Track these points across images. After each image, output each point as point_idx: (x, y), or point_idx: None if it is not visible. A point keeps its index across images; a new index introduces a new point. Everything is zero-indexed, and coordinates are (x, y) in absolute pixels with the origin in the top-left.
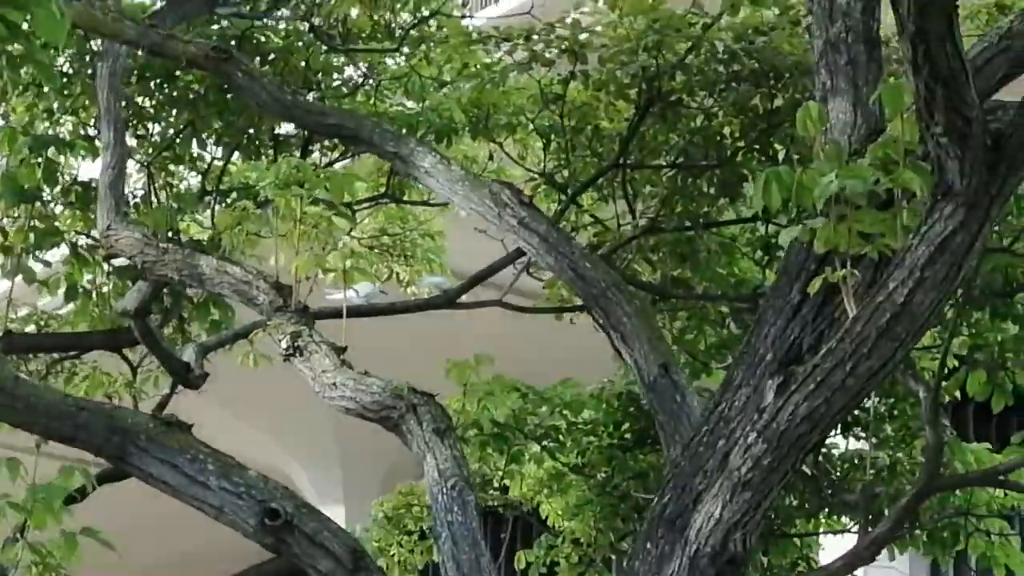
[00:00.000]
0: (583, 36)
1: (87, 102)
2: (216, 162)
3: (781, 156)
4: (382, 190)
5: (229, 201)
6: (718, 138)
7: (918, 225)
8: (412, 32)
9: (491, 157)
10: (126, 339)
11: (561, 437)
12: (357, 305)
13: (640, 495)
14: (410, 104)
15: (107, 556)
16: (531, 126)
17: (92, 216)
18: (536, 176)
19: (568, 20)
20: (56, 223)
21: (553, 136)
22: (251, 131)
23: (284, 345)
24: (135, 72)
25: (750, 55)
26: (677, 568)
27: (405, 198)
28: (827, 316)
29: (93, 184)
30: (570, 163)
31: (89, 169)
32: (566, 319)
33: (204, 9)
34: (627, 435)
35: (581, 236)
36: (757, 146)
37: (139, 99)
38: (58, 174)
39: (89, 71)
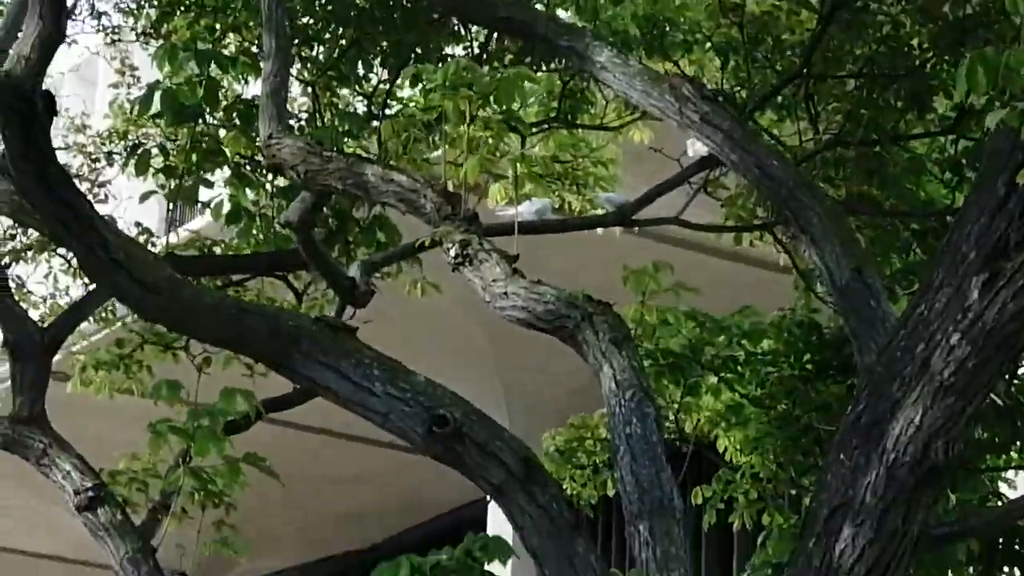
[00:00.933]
0: None
1: (250, 20)
2: (382, 85)
3: None
4: (553, 115)
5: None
6: (906, 47)
7: None
8: None
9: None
10: (291, 262)
11: (739, 368)
12: (529, 221)
13: (822, 427)
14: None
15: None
16: (708, 43)
17: (256, 137)
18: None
19: None
20: (219, 143)
21: (731, 54)
22: (418, 50)
23: (453, 253)
24: None
25: None
26: (874, 479)
27: (577, 123)
28: None
29: (256, 103)
30: (750, 79)
31: (253, 88)
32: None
33: None
34: (808, 366)
35: None
36: (948, 56)
37: (302, 19)
38: (220, 93)
39: None
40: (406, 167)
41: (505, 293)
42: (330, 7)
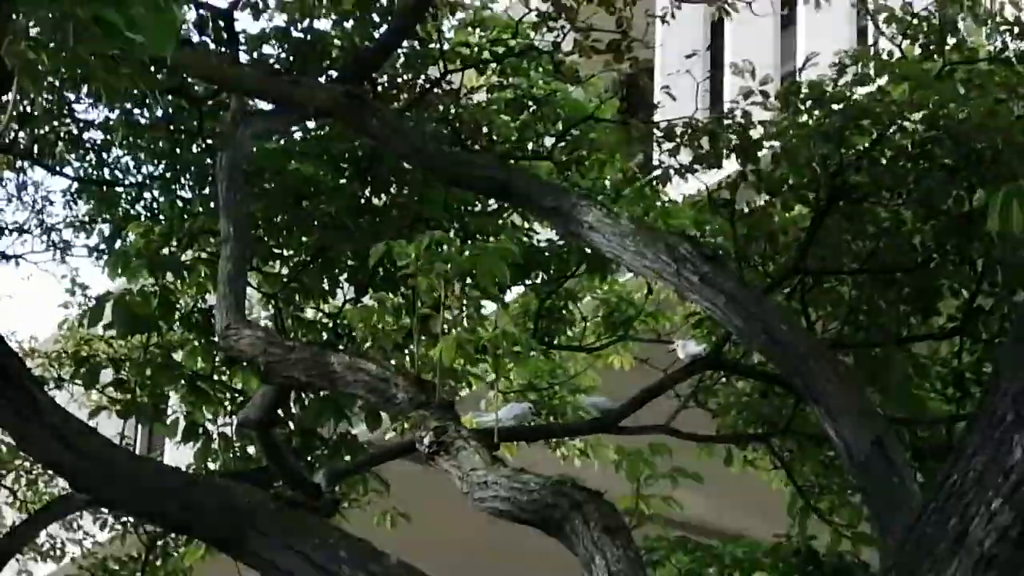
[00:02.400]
0: (754, 132)
1: (208, 226)
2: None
3: (980, 264)
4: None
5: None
6: (908, 244)
7: None
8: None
9: (650, 290)
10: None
11: None
12: (508, 427)
13: None
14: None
15: None
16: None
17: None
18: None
19: (737, 115)
20: (174, 355)
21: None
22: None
23: (427, 442)
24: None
25: (942, 143)
26: None
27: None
28: None
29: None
30: (742, 276)
31: (211, 299)
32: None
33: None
34: None
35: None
36: (953, 253)
37: (262, 231)
38: (176, 303)
39: (207, 191)
40: (375, 355)
41: (485, 483)
42: (294, 214)
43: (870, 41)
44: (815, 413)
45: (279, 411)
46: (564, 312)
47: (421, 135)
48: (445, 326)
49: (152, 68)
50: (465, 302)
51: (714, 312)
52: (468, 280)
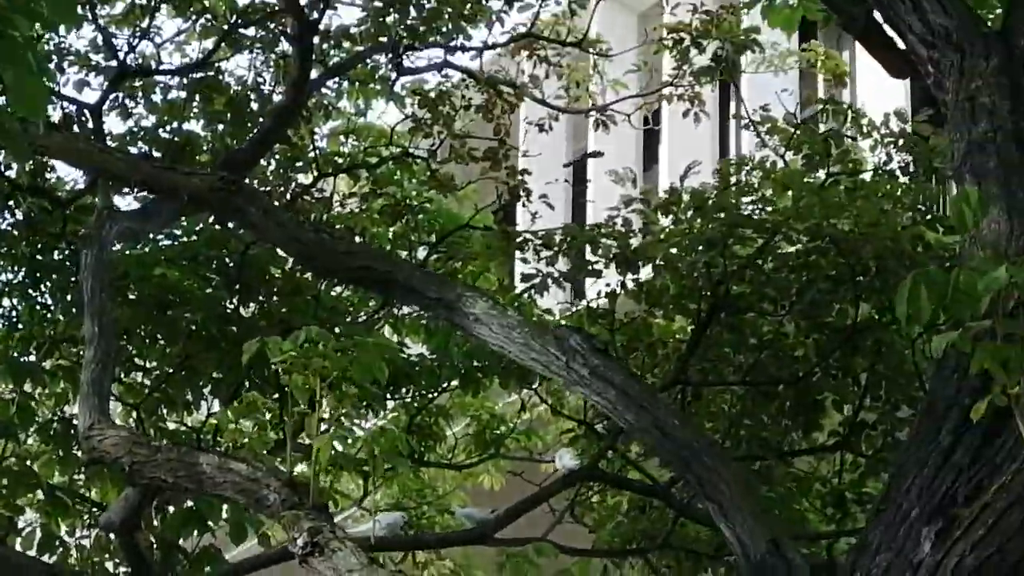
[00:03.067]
0: (634, 241)
1: (71, 332)
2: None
3: (864, 378)
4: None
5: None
6: (791, 356)
7: None
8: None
9: (523, 407)
10: None
11: None
12: (380, 537)
13: None
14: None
15: None
16: None
17: (73, 456)
18: (575, 426)
19: (618, 224)
20: (31, 465)
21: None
22: (252, 372)
23: (301, 543)
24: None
25: (826, 253)
26: None
27: (426, 459)
28: (988, 461)
29: (75, 421)
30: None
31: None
32: None
33: (203, 210)
34: None
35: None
36: (837, 367)
37: (125, 339)
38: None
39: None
40: (247, 456)
41: None
42: (158, 322)
43: (731, 152)
44: (693, 527)
45: (141, 520)
46: (435, 429)
47: (298, 225)
48: (321, 426)
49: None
50: (341, 402)
51: (604, 406)
52: (344, 379)
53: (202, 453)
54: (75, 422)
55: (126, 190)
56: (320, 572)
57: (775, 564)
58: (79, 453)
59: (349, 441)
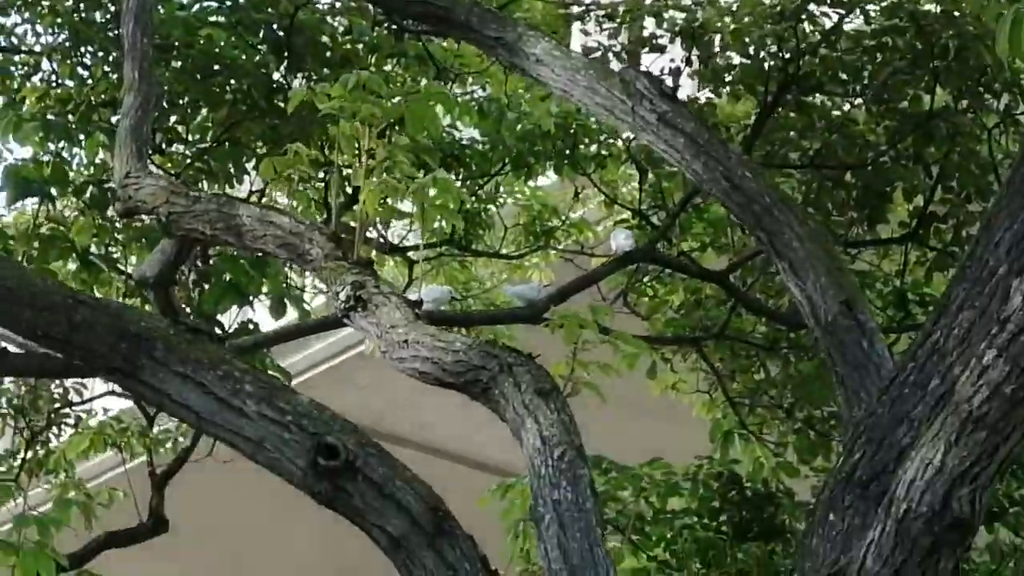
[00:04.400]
0: (701, 14)
1: (109, 90)
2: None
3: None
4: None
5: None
6: (860, 141)
7: None
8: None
9: (576, 195)
10: None
11: (647, 528)
12: (428, 311)
13: None
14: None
15: None
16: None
17: (109, 223)
18: (629, 216)
19: None
20: (65, 229)
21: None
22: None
23: (343, 297)
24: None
25: (903, 33)
26: (878, 537)
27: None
28: None
29: (109, 183)
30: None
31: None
32: None
33: None
34: (725, 526)
35: None
36: (908, 154)
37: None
38: (69, 170)
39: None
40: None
41: (406, 342)
42: (202, 91)
43: None
44: (749, 320)
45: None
46: (483, 216)
47: None
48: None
49: None
50: (391, 154)
51: (670, 155)
52: (396, 128)
53: (243, 204)
54: (114, 163)
55: None
56: (363, 327)
57: (848, 325)
58: (116, 219)
59: (399, 188)
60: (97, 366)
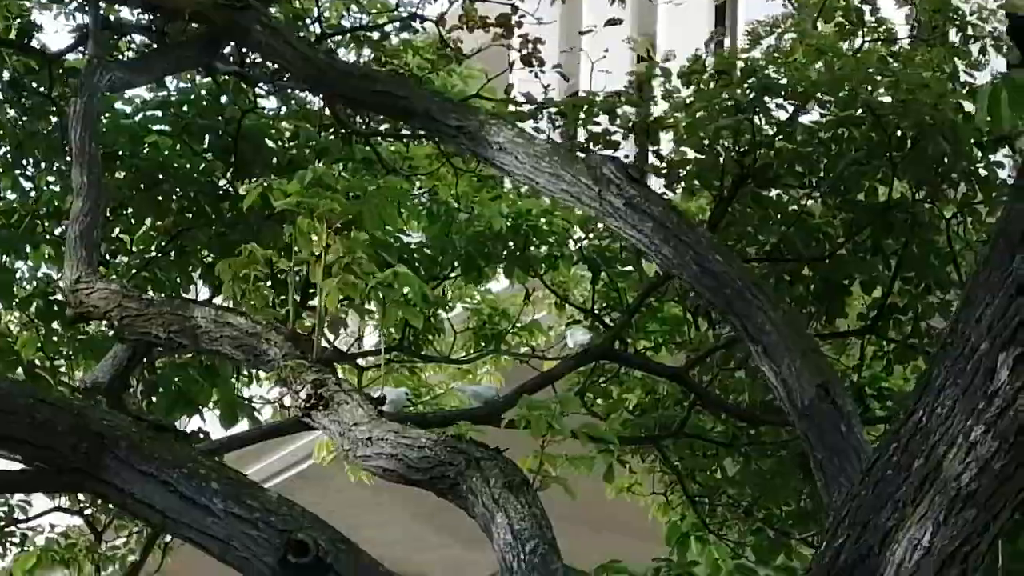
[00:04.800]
0: (656, 109)
1: (55, 201)
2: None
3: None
4: None
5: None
6: (818, 233)
7: None
8: None
9: (527, 296)
10: None
11: None
12: (388, 413)
13: None
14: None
15: None
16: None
17: (55, 337)
18: (582, 317)
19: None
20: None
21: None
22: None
23: (304, 395)
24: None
25: (859, 124)
26: None
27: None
28: None
29: (55, 295)
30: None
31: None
32: None
33: (198, 63)
34: None
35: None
36: (866, 246)
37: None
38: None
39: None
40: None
41: (369, 439)
42: (147, 199)
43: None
44: (709, 418)
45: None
46: (432, 321)
47: (310, 45)
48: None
49: None
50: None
51: (639, 241)
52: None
53: (197, 306)
54: (63, 270)
55: (115, 38)
56: (324, 426)
57: (825, 410)
58: (62, 331)
59: (359, 285)
60: (58, 464)
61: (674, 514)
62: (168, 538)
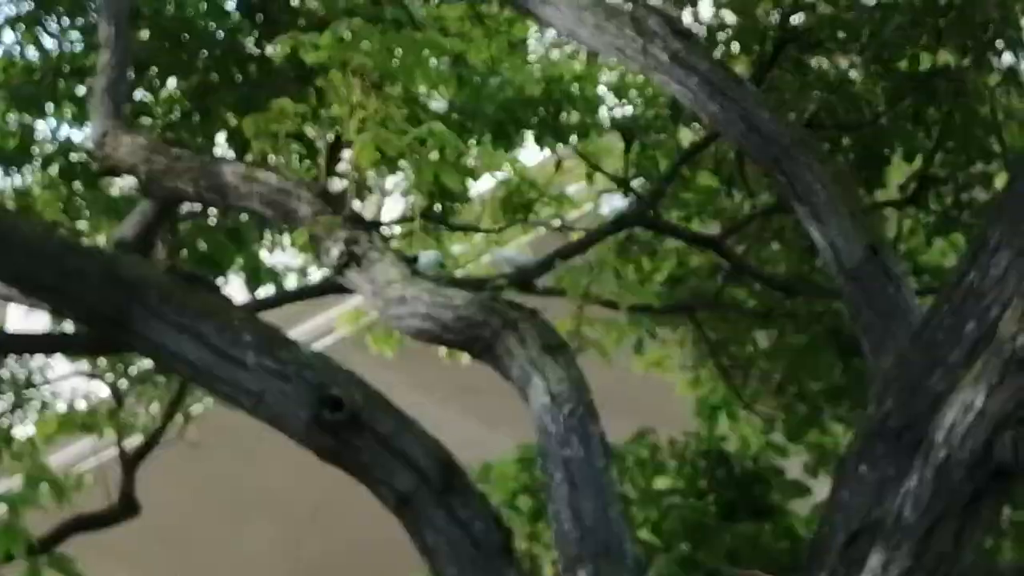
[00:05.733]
0: None
1: (77, 63)
2: None
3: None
4: None
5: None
6: (858, 101)
7: None
8: None
9: (558, 166)
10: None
11: (633, 508)
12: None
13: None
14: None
15: None
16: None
17: (76, 199)
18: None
19: None
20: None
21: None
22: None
23: (336, 252)
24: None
25: None
26: (915, 487)
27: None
28: None
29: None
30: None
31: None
32: None
33: None
34: (713, 506)
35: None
36: (908, 114)
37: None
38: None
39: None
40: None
41: (403, 298)
42: (171, 61)
43: None
44: (743, 289)
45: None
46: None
47: None
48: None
49: None
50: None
51: (684, 96)
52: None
53: (226, 162)
54: (89, 122)
55: None
56: (357, 284)
57: (872, 271)
58: (84, 191)
59: (394, 140)
60: (87, 315)
61: (703, 388)
62: (191, 406)
